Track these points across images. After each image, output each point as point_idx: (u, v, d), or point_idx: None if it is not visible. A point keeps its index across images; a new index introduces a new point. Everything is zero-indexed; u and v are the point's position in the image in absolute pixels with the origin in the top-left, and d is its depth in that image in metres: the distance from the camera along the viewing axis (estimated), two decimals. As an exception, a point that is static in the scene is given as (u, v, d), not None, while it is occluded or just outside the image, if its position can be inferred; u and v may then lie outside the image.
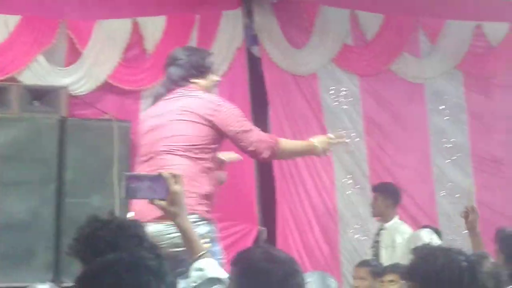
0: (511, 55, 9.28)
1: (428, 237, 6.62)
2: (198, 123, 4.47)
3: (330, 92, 8.84)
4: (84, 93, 7.74)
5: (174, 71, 4.72)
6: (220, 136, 4.57)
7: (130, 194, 2.99)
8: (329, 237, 8.60)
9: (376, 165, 8.82)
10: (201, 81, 4.70)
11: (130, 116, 7.83)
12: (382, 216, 7.84)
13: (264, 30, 8.60)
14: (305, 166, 8.56)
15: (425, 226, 7.87)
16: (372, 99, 8.96)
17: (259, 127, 8.41)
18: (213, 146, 4.56)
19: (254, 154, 4.65)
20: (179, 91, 4.65)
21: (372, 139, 8.89)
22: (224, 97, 8.26)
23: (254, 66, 8.69)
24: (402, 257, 7.10)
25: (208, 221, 4.47)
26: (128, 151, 7.45)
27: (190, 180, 4.27)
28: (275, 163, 8.42)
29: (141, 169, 4.52)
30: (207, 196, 4.51)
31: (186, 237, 3.02)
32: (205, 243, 4.12)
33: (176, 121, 4.51)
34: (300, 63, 8.76)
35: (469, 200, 8.00)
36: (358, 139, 8.82)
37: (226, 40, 8.39)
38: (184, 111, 4.51)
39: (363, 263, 6.76)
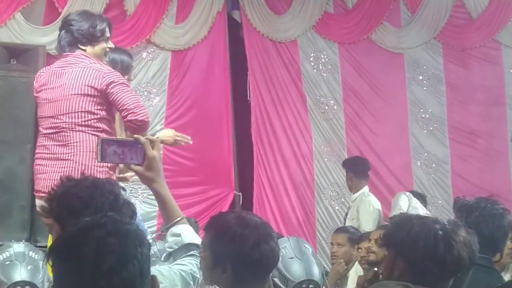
0: (490, 27, 9.31)
1: (405, 201, 6.62)
2: (90, 95, 4.45)
3: (310, 59, 8.84)
4: (62, 53, 7.68)
5: (64, 36, 4.66)
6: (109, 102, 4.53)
7: (106, 159, 2.93)
8: (305, 204, 8.65)
9: (353, 134, 8.85)
10: (90, 48, 4.63)
11: (108, 77, 7.80)
12: (351, 189, 7.85)
13: (245, -6, 8.56)
14: (283, 133, 8.58)
15: (411, 192, 7.92)
16: (351, 67, 8.96)
17: (238, 92, 8.54)
18: (109, 115, 4.55)
19: (124, 114, 4.51)
20: (70, 58, 4.59)
21: (350, 107, 8.91)
22: (204, 61, 8.36)
23: (234, 30, 8.65)
24: (365, 228, 7.17)
25: (123, 189, 4.41)
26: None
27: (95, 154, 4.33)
28: (254, 129, 8.44)
29: (43, 141, 4.55)
30: (112, 167, 4.50)
31: (163, 203, 2.95)
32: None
33: (72, 95, 4.47)
34: (280, 30, 8.74)
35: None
36: (336, 107, 8.84)
37: (207, 3, 8.35)
38: (79, 84, 4.46)
39: (341, 229, 6.77)
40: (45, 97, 4.61)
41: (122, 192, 2.89)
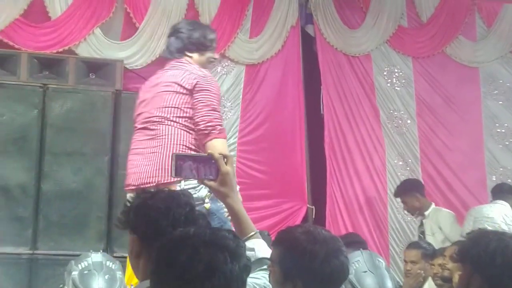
0: None
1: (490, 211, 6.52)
2: (183, 93, 4.56)
3: (384, 73, 8.82)
4: (139, 67, 7.84)
5: (173, 42, 4.82)
6: None
7: (180, 174, 2.99)
8: (378, 218, 8.61)
9: (427, 148, 8.78)
10: (196, 56, 4.77)
11: (183, 91, 7.93)
12: (419, 211, 7.79)
13: (319, 9, 8.60)
14: (356, 147, 8.58)
15: (501, 186, 7.87)
16: (425, 81, 8.91)
17: (311, 105, 8.57)
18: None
19: (198, 127, 4.57)
20: (173, 62, 4.75)
21: (424, 121, 8.85)
22: (277, 75, 8.42)
23: (308, 45, 8.70)
24: (444, 242, 7.12)
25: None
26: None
27: (184, 148, 4.47)
28: (327, 143, 8.45)
29: (137, 137, 4.70)
30: None
31: (237, 217, 2.98)
32: (206, 202, 4.35)
33: (164, 92, 4.61)
34: (354, 44, 8.75)
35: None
36: (410, 121, 8.79)
37: (281, 17, 8.43)
38: (172, 82, 4.61)
39: (414, 245, 6.68)
40: (142, 96, 4.81)
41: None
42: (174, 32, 4.88)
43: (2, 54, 7.06)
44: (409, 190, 7.84)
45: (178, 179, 4.34)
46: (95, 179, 6.76)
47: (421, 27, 8.98)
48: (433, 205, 7.77)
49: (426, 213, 7.70)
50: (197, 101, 4.53)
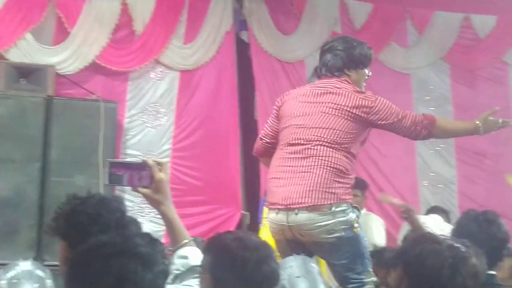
0: (498, 48, 9.32)
1: (424, 218, 6.62)
2: (350, 120, 4.54)
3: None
4: (71, 72, 7.76)
5: (331, 59, 4.77)
6: (366, 129, 4.67)
7: (114, 181, 2.94)
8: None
9: (360, 154, 8.77)
10: (354, 74, 4.75)
11: (117, 97, 7.88)
12: (360, 205, 7.87)
13: (253, 15, 8.60)
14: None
15: (433, 207, 7.98)
16: (360, 88, 8.97)
17: (245, 111, 8.57)
18: (361, 138, 4.66)
19: (411, 137, 4.75)
20: (331, 82, 4.69)
21: (358, 127, 8.89)
22: (212, 81, 8.40)
23: (242, 50, 8.70)
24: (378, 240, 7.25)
25: (354, 208, 4.58)
26: (114, 132, 7.50)
27: (339, 171, 4.46)
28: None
29: (284, 154, 4.62)
30: (351, 186, 4.61)
31: (171, 225, 2.96)
32: (356, 227, 4.45)
33: (329, 115, 4.57)
34: (288, 50, 8.78)
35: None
36: (343, 127, 8.84)
37: (215, 23, 8.41)
38: (338, 106, 4.57)
39: None
40: (294, 109, 4.70)
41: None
42: (331, 49, 4.82)
43: None
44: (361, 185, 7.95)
45: (329, 202, 4.41)
46: (26, 186, 6.68)
47: (354, 33, 9.01)
48: (364, 210, 7.83)
49: (362, 212, 7.77)
50: (388, 125, 4.60)
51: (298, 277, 4.33)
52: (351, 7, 9.00)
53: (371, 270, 4.69)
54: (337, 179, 4.47)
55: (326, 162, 4.48)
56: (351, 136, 4.54)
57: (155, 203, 2.96)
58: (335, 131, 4.52)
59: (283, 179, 4.57)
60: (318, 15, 8.85)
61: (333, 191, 4.44)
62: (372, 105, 4.57)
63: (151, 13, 8.09)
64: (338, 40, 4.92)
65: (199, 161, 8.26)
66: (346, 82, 4.69)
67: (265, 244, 2.93)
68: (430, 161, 9.11)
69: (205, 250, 2.91)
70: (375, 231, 7.57)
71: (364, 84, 4.81)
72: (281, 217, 4.55)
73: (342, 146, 4.51)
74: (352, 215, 4.50)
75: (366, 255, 4.68)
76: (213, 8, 8.41)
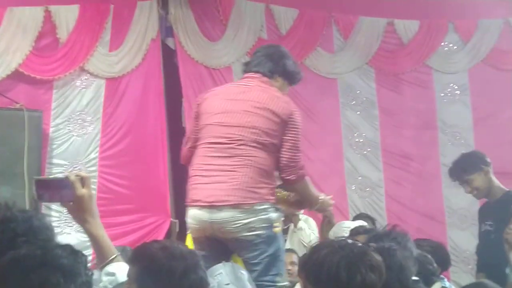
0: (421, 52, 9.46)
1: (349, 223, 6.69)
2: (273, 121, 4.58)
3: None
4: (-6, 80, 7.62)
5: (265, 60, 4.81)
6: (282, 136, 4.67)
7: (41, 198, 2.92)
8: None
9: (289, 159, 8.86)
10: (281, 83, 4.81)
11: (41, 106, 7.75)
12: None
13: (179, 22, 8.56)
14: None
15: (359, 214, 8.06)
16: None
17: (173, 118, 8.52)
18: (279, 141, 4.65)
19: (283, 170, 4.69)
20: (254, 81, 4.72)
21: (285, 132, 8.92)
22: (138, 88, 8.33)
23: (169, 58, 8.66)
24: None
25: (276, 208, 4.64)
26: (39, 141, 7.38)
27: (263, 171, 4.54)
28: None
29: (207, 152, 4.64)
30: (275, 186, 4.70)
31: (96, 242, 2.91)
32: (277, 227, 4.52)
33: (250, 112, 4.59)
34: (214, 56, 8.76)
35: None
36: (271, 133, 8.85)
37: (141, 30, 8.34)
38: (259, 104, 4.60)
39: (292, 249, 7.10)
40: (216, 107, 4.69)
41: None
42: (269, 51, 4.89)
43: None
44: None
45: (254, 202, 4.47)
46: None
47: (280, 39, 9.07)
48: (301, 214, 7.89)
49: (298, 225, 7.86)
50: (289, 139, 4.60)
51: (227, 284, 4.32)
52: (276, 13, 9.03)
53: (282, 273, 4.75)
54: (262, 179, 4.54)
55: (250, 162, 4.54)
56: (272, 136, 4.59)
57: (79, 221, 2.91)
58: (257, 130, 4.57)
59: (207, 177, 4.61)
60: (244, 21, 8.86)
61: (258, 191, 4.51)
62: (293, 114, 4.65)
63: (75, 20, 7.97)
64: (276, 47, 5.06)
65: (127, 170, 8.18)
66: (269, 84, 4.72)
67: (192, 253, 2.91)
68: (357, 165, 9.20)
69: (131, 260, 2.87)
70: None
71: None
72: (203, 214, 4.60)
73: (265, 146, 4.57)
74: (273, 215, 4.57)
75: (281, 257, 4.75)
76: (138, 15, 8.34)
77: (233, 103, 4.69)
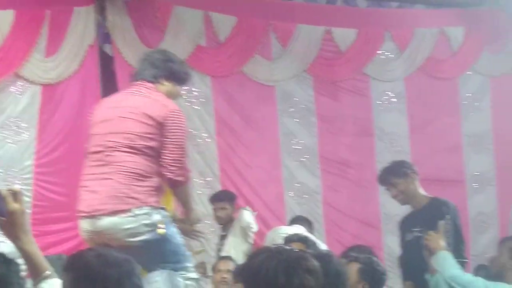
0: (359, 60, 9.55)
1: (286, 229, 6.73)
2: (147, 124, 4.54)
3: (182, 92, 8.84)
4: None
5: (147, 67, 4.80)
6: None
7: None
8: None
9: (226, 166, 8.88)
10: (170, 86, 4.79)
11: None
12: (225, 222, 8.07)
13: (117, 28, 8.50)
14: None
15: (297, 217, 8.11)
16: (224, 100, 9.02)
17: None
18: (159, 146, 4.61)
19: (167, 172, 4.63)
20: (141, 87, 4.71)
21: (223, 140, 8.95)
22: (75, 95, 8.25)
23: (107, 64, 8.58)
24: None
25: (159, 209, 4.59)
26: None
27: (138, 176, 4.50)
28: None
29: (90, 162, 4.70)
30: (157, 188, 4.59)
31: (29, 259, 2.81)
32: (160, 228, 4.46)
33: (125, 118, 4.57)
34: (153, 63, 8.71)
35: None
36: (209, 140, 8.87)
37: (78, 37, 8.25)
38: (135, 109, 4.58)
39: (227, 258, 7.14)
40: (101, 115, 4.72)
41: None
42: (149, 57, 4.88)
43: None
44: (222, 199, 8.03)
45: (130, 207, 4.42)
46: None
47: (219, 46, 9.09)
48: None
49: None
50: (170, 141, 4.55)
51: (164, 291, 4.32)
52: (215, 20, 9.02)
53: (189, 265, 4.75)
54: (137, 184, 4.51)
55: (123, 168, 4.53)
56: (148, 139, 4.57)
57: (10, 237, 2.81)
58: (129, 135, 4.56)
59: (87, 187, 4.68)
60: (183, 28, 8.83)
61: (134, 195, 4.49)
62: (170, 114, 4.61)
63: (10, 25, 7.86)
64: (160, 52, 5.09)
65: (63, 177, 8.07)
66: (154, 89, 4.71)
67: (127, 260, 2.89)
68: (295, 171, 9.24)
69: (65, 269, 2.84)
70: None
71: (176, 100, 4.93)
72: (87, 224, 4.64)
73: (140, 150, 4.55)
74: (156, 217, 4.54)
75: (180, 252, 4.73)
76: (75, 21, 8.24)
77: (111, 111, 4.72)
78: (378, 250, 6.74)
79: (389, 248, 8.80)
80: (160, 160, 4.62)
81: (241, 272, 2.94)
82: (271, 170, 9.14)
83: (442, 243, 4.85)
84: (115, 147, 4.55)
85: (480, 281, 4.67)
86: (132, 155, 4.53)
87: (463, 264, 5.56)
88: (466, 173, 9.68)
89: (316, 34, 9.42)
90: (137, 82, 4.81)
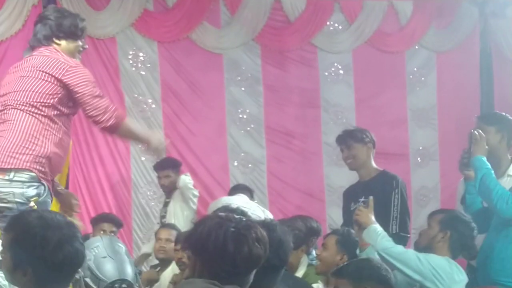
0: (307, 31, 9.49)
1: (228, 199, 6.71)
2: (45, 80, 4.39)
3: (129, 57, 8.78)
4: None
5: (41, 29, 4.60)
6: (70, 98, 4.46)
7: None
8: (122, 203, 8.62)
9: (171, 133, 8.81)
10: (65, 44, 4.59)
11: None
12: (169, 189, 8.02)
13: (63, -12, 8.35)
14: (99, 132, 8.46)
15: (237, 185, 8.09)
16: (171, 66, 8.94)
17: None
18: (62, 107, 4.45)
19: (96, 121, 4.49)
20: (41, 50, 4.55)
21: (169, 106, 8.90)
22: (18, 54, 8.03)
23: (51, 25, 8.41)
24: None
25: (39, 184, 4.33)
26: None
27: (29, 136, 4.32)
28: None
29: None
30: (47, 158, 4.36)
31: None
32: (32, 206, 4.17)
33: (24, 77, 4.43)
34: (99, 26, 8.60)
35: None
36: (154, 105, 8.80)
37: (21, -4, 8.11)
38: (33, 68, 4.43)
39: (170, 226, 7.10)
40: (4, 80, 4.56)
41: None
42: (41, 19, 4.66)
43: None
44: (166, 167, 7.96)
45: (10, 167, 4.22)
46: None
47: (166, 11, 8.99)
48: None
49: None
50: (80, 92, 4.40)
51: (104, 257, 4.26)
52: (163, -16, 8.93)
53: None
54: (25, 145, 4.33)
55: (15, 126, 4.37)
56: (47, 98, 4.42)
57: None
58: (27, 92, 4.42)
59: None
60: (130, -9, 8.72)
61: (17, 156, 4.29)
62: (70, 68, 4.46)
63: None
64: (50, 10, 4.86)
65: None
66: (54, 50, 4.59)
67: (70, 224, 2.84)
68: (240, 141, 9.21)
69: (5, 229, 2.82)
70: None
71: (79, 56, 4.71)
72: None
73: (38, 109, 4.40)
74: (31, 191, 4.31)
75: None
76: (20, -20, 8.09)
77: (13, 74, 4.59)
78: (321, 222, 6.71)
79: (332, 219, 8.84)
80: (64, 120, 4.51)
81: (188, 239, 2.90)
82: (216, 139, 9.10)
83: (372, 217, 4.88)
84: (13, 105, 4.41)
85: (410, 252, 4.74)
86: (27, 114, 4.38)
87: (406, 239, 5.61)
88: (410, 147, 9.74)
89: (265, 2, 9.34)
90: (35, 47, 4.69)
